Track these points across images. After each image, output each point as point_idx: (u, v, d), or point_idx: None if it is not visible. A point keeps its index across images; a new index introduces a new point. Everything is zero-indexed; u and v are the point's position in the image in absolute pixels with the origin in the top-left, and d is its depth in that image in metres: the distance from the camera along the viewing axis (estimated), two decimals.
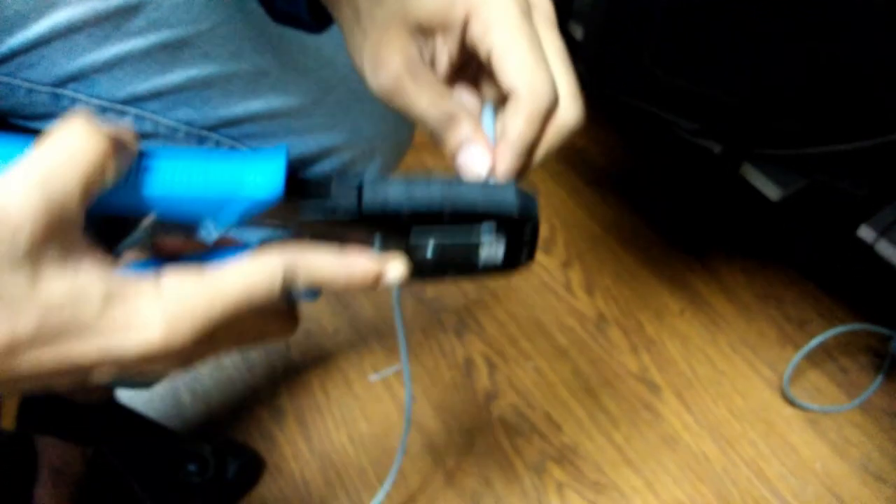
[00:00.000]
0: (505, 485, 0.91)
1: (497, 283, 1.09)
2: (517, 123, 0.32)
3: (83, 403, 0.79)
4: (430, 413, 0.97)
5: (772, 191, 0.94)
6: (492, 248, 0.33)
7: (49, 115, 0.53)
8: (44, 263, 0.26)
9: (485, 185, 0.32)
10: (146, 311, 0.28)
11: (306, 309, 1.04)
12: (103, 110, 0.51)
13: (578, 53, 0.91)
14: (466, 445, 0.94)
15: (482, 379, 1.00)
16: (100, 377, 0.29)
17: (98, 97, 0.50)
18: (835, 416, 0.97)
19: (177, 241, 0.33)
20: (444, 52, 0.34)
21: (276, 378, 1.00)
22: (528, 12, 0.33)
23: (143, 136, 0.52)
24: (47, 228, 0.26)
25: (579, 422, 0.96)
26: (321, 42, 0.55)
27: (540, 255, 1.13)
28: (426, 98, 0.33)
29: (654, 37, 0.86)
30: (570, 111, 0.33)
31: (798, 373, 1.01)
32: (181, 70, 0.50)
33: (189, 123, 0.52)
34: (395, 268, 0.33)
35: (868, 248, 0.91)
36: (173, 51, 0.49)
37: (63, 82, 0.52)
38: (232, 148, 0.54)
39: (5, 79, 0.48)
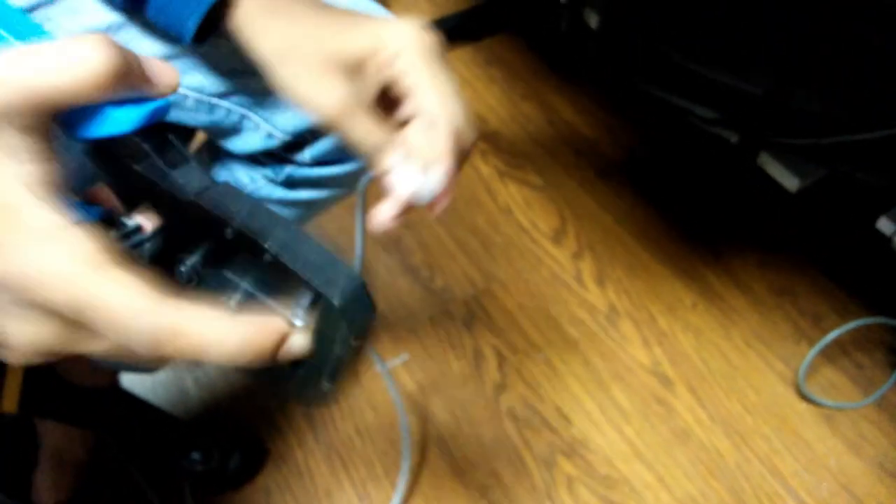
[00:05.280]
0: (514, 478, 0.89)
1: (507, 273, 1.08)
2: (442, 140, 0.38)
3: (86, 387, 0.77)
4: (438, 404, 0.95)
5: (790, 181, 0.92)
6: (299, 332, 0.27)
7: None
8: None
9: (327, 254, 0.27)
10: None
11: None
12: None
13: (594, 41, 0.89)
14: (475, 438, 0.92)
15: (491, 370, 0.98)
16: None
17: None
18: (850, 413, 0.96)
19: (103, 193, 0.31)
20: (368, 86, 0.40)
21: None
22: (440, 56, 0.40)
23: None
24: None
25: (590, 415, 0.95)
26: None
27: (550, 246, 1.11)
28: (362, 128, 0.39)
29: (673, 23, 0.84)
30: (470, 132, 0.40)
31: (813, 368, 0.99)
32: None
33: (199, 90, 0.50)
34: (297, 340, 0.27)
35: (886, 241, 0.89)
36: None
37: None
38: (243, 116, 0.52)
39: None
